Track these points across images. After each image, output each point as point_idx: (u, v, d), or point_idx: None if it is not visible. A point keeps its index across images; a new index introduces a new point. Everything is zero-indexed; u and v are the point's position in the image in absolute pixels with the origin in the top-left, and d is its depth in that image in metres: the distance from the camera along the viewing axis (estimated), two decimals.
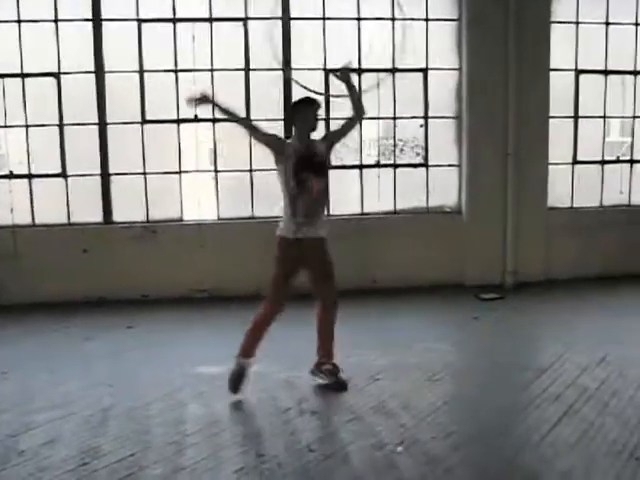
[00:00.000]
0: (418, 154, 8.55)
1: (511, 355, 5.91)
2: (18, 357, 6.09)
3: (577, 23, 8.51)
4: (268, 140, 5.06)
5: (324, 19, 8.14)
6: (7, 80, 7.86)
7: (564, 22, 8.46)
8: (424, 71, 8.39)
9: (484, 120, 8.31)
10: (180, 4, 7.94)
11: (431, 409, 4.63)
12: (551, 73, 8.39)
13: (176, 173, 8.16)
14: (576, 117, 8.72)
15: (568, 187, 8.82)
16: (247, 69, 8.10)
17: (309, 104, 5.07)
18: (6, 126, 7.99)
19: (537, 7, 8.24)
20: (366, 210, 8.44)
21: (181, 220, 8.20)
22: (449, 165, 8.57)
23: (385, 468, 3.81)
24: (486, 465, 3.90)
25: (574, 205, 8.87)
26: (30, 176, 8.02)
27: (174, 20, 7.95)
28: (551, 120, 8.49)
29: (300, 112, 5.05)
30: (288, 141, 5.20)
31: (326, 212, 5.27)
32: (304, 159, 4.91)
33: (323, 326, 5.20)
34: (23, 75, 7.86)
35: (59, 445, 4.17)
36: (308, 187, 4.90)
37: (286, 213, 5.00)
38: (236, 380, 4.95)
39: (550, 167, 8.59)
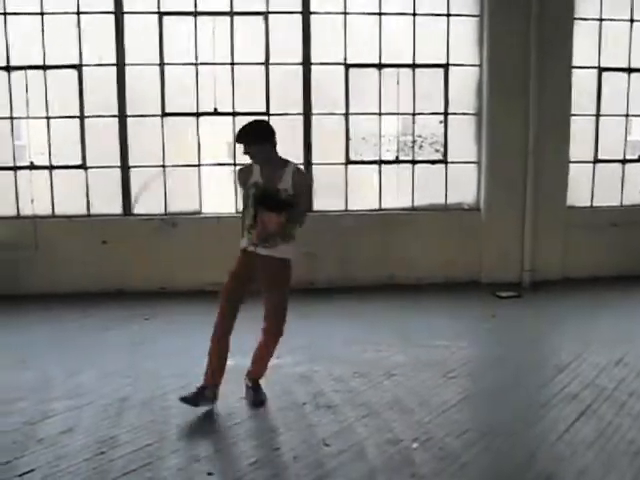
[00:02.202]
0: (437, 150, 8.51)
1: (528, 353, 5.88)
2: (37, 346, 6.16)
3: (600, 20, 8.43)
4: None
5: (345, 14, 8.12)
6: (29, 72, 7.92)
7: (587, 19, 8.39)
8: (445, 67, 8.35)
9: (504, 117, 8.26)
10: None
11: (447, 406, 4.63)
12: (573, 70, 8.32)
13: (195, 166, 8.19)
14: (598, 115, 8.65)
15: (588, 186, 8.75)
16: (267, 63, 8.10)
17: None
18: (28, 117, 8.06)
19: (560, 3, 8.17)
20: (384, 206, 8.42)
21: (200, 213, 8.24)
22: (468, 162, 8.53)
23: (400, 464, 3.81)
24: (502, 462, 3.89)
25: (594, 204, 8.80)
26: (51, 167, 8.09)
27: (195, 13, 7.97)
28: (572, 118, 8.42)
29: (273, 140, 4.60)
30: (250, 166, 4.69)
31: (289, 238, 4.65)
32: (263, 196, 4.51)
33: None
34: (45, 67, 7.92)
35: (77, 434, 4.21)
36: (264, 222, 4.48)
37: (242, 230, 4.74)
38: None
39: (571, 165, 8.53)
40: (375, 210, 8.40)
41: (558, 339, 6.45)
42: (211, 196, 8.33)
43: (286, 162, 4.65)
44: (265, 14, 8.02)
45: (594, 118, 8.64)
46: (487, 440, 4.12)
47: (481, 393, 5.01)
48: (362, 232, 8.12)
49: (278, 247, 4.59)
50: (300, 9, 8.05)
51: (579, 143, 8.56)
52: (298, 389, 4.98)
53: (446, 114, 8.44)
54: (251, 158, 4.59)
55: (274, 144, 4.59)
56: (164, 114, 8.06)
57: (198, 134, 8.13)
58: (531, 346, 6.12)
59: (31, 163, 8.13)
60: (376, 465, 3.80)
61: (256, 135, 4.55)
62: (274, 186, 4.53)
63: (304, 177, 4.77)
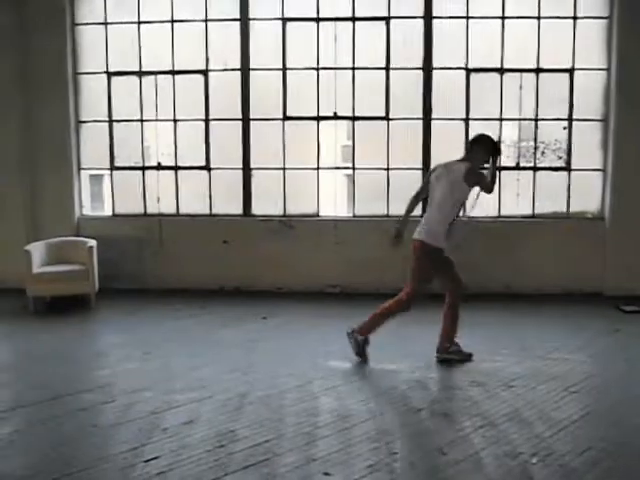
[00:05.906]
0: (560, 157, 8.24)
1: None
2: (160, 339, 6.44)
3: None
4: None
5: (467, 18, 8.02)
6: (159, 77, 8.31)
7: None
8: (570, 71, 8.08)
9: (633, 123, 7.90)
10: (323, 4, 8.09)
11: (568, 421, 4.47)
12: None
13: (314, 169, 8.31)
14: None
15: None
16: (388, 68, 8.11)
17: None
18: (157, 120, 8.44)
19: None
20: (503, 213, 8.24)
21: (317, 216, 8.35)
22: (593, 169, 8.21)
23: (519, 478, 3.72)
24: None
25: None
26: (176, 168, 8.43)
27: (317, 19, 8.10)
28: None
29: (490, 155, 5.73)
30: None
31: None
32: None
33: None
34: (174, 72, 8.28)
35: (198, 426, 4.38)
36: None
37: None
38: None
39: None
40: (494, 217, 8.24)
41: None
42: (328, 199, 8.43)
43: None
44: (387, 19, 8.04)
45: None
46: (612, 459, 3.95)
47: (604, 410, 4.80)
48: (478, 239, 7.96)
49: (425, 231, 5.47)
50: (422, 14, 8.02)
51: None
52: (414, 395, 4.95)
53: (570, 120, 8.16)
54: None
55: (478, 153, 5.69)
56: (285, 118, 8.23)
57: (318, 138, 8.25)
58: None
59: (158, 164, 8.50)
60: (494, 478, 3.72)
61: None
62: None
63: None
